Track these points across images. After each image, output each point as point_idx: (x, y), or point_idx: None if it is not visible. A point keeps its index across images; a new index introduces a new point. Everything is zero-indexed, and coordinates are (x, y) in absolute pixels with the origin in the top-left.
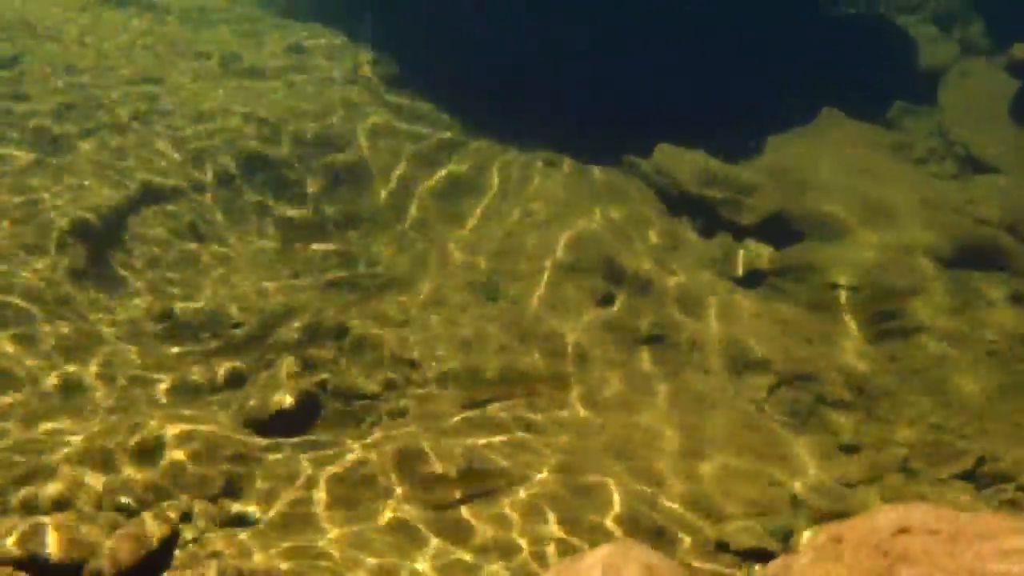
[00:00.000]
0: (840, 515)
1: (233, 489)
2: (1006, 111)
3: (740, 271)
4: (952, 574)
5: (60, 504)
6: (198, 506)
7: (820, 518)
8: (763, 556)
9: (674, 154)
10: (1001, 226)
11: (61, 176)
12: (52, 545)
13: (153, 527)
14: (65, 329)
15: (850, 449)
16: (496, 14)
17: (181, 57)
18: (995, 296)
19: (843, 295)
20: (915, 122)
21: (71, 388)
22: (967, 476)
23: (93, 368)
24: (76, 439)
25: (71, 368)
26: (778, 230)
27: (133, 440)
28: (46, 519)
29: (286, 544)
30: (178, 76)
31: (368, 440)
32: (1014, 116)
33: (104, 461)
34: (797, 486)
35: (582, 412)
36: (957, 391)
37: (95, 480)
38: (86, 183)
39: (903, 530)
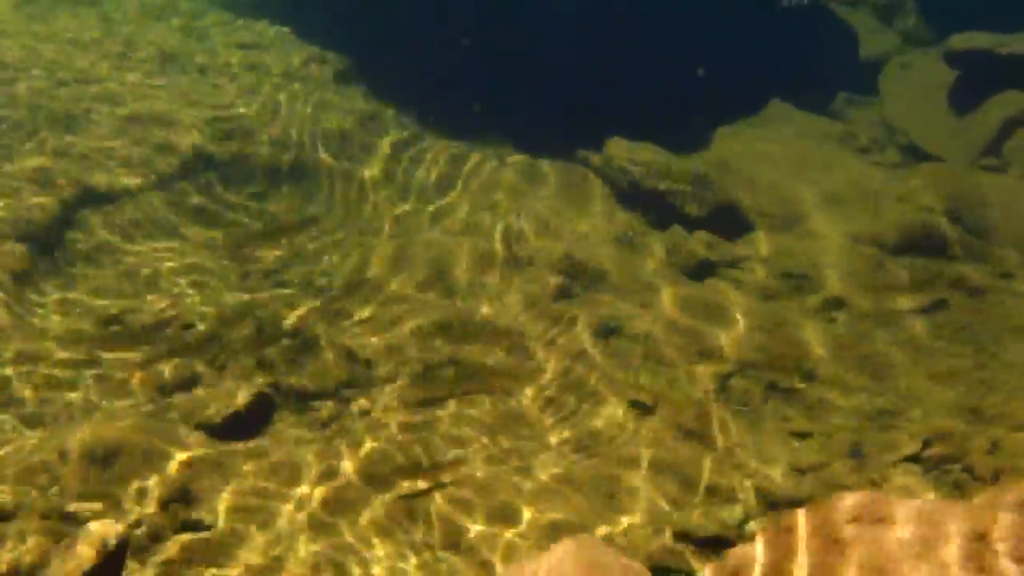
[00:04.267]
0: (793, 502)
1: (184, 495)
2: (945, 100)
3: (692, 262)
4: (900, 561)
5: (2, 515)
6: (148, 514)
7: (774, 505)
8: (720, 544)
9: (625, 147)
10: (943, 214)
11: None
12: None
13: (101, 536)
14: (8, 334)
15: (802, 436)
16: (447, 9)
17: (125, 54)
18: (938, 282)
19: (792, 284)
20: (858, 112)
21: (8, 391)
22: (914, 459)
23: (40, 372)
24: (22, 445)
25: (8, 371)
26: (729, 221)
27: (82, 445)
28: None
29: (239, 550)
30: (122, 73)
31: (322, 440)
32: (953, 105)
33: (49, 468)
34: (752, 473)
35: (538, 408)
36: (904, 376)
37: (40, 488)
38: (25, 185)
39: (854, 519)
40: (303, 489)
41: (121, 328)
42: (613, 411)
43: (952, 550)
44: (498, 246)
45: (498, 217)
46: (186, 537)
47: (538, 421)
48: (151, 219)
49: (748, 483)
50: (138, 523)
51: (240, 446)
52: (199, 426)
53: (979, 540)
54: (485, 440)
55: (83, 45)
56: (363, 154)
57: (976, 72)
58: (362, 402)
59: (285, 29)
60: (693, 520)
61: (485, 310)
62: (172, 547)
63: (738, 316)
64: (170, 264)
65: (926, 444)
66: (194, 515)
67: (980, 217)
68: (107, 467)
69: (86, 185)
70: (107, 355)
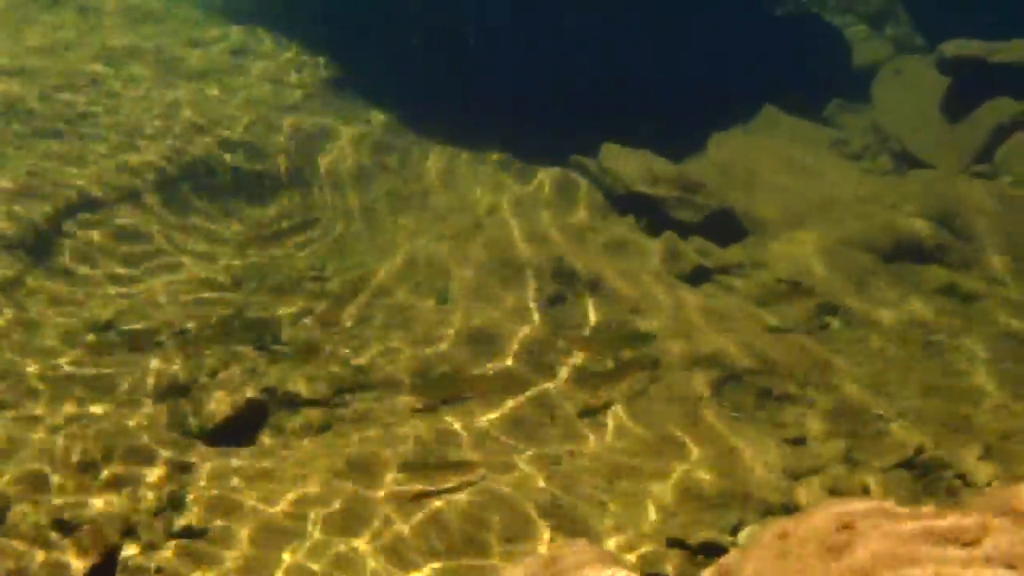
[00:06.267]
0: (787, 507)
1: (177, 501)
2: (937, 107)
3: (686, 268)
4: (894, 567)
5: None
6: (140, 520)
7: (768, 511)
8: (714, 550)
9: (620, 154)
10: (935, 220)
11: None
12: None
13: (93, 543)
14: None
15: (795, 442)
16: (441, 16)
17: (117, 60)
18: (929, 289)
19: (786, 290)
20: (851, 119)
21: (7, 398)
22: (906, 465)
23: (33, 380)
24: (15, 455)
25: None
26: (723, 227)
27: (73, 454)
28: None
29: (232, 554)
30: (114, 79)
31: (315, 444)
32: (945, 112)
33: (41, 476)
34: (745, 480)
35: (532, 413)
36: (896, 382)
37: (32, 496)
38: (20, 189)
39: (846, 525)
40: (296, 496)
41: (111, 333)
42: (602, 418)
43: (953, 557)
44: (491, 251)
45: (491, 222)
46: (178, 542)
47: (532, 427)
48: (141, 224)
49: (742, 489)
50: (128, 532)
51: (233, 451)
52: (192, 432)
53: (972, 547)
54: None
55: (74, 50)
56: (355, 159)
57: (968, 79)
58: (356, 407)
59: (278, 35)
60: (685, 525)
61: (479, 316)
62: (165, 552)
63: (732, 322)
64: (161, 269)
65: (918, 450)
66: (186, 521)
67: (971, 224)
68: (95, 474)
69: (78, 189)
70: (100, 360)
